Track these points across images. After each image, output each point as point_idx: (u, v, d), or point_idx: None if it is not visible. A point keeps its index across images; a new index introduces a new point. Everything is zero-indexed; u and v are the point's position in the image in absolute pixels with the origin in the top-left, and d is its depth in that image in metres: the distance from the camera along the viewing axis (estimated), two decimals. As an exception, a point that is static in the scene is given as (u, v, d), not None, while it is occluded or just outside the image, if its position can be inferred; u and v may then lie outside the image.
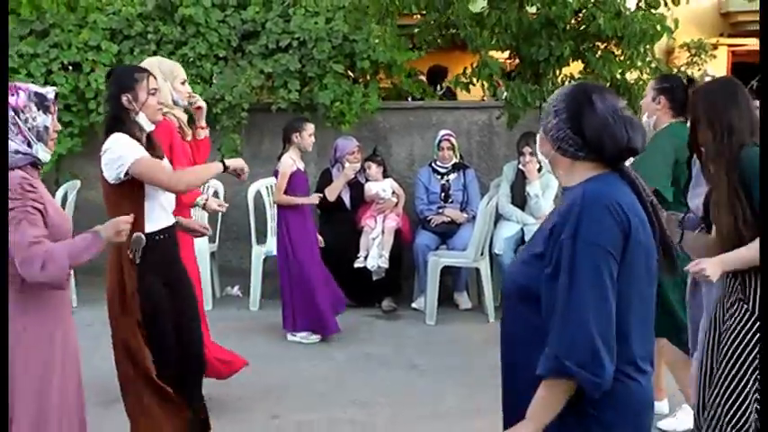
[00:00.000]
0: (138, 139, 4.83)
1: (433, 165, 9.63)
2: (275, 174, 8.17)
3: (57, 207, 3.89)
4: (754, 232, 4.08)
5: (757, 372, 4.14)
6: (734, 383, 4.21)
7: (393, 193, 9.49)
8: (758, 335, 4.12)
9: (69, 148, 9.50)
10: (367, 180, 9.54)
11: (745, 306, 4.19)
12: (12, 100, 3.76)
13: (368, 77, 10.19)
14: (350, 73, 10.14)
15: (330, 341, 8.20)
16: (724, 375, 4.24)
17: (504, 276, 8.77)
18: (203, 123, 6.37)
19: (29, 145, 3.78)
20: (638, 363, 2.97)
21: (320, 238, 8.74)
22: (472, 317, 9.07)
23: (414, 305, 9.33)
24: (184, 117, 6.31)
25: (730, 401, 4.21)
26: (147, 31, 10.12)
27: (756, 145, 4.16)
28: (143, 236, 4.69)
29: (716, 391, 4.26)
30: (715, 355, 4.29)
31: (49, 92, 3.88)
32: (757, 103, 4.64)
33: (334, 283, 8.45)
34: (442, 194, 9.53)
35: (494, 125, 9.91)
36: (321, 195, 8.76)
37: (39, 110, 3.81)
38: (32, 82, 9.86)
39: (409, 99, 10.86)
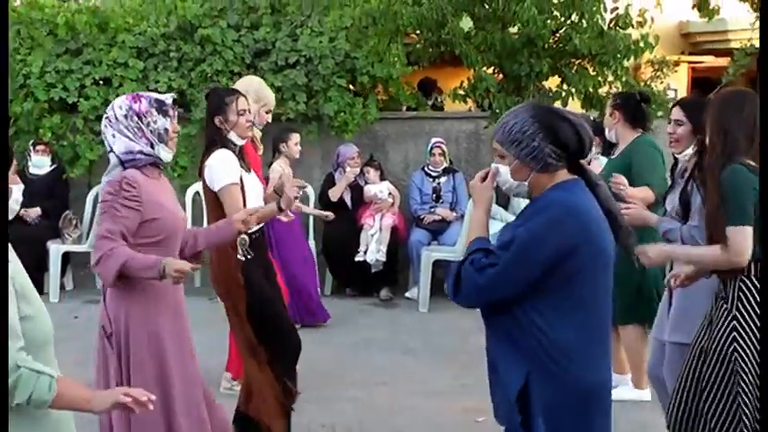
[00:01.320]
0: (235, 154, 5.01)
1: (425, 169, 9.63)
2: (266, 180, 8.13)
3: (164, 204, 3.83)
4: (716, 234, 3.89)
5: (735, 365, 3.86)
6: (715, 381, 3.96)
7: (389, 194, 9.50)
8: (734, 333, 3.86)
9: (100, 155, 9.48)
10: (366, 182, 9.54)
11: (725, 305, 3.94)
12: (135, 106, 3.76)
13: (367, 91, 10.18)
14: (351, 87, 10.14)
15: (332, 327, 8.20)
16: (708, 372, 3.99)
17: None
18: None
19: (151, 146, 3.77)
20: (571, 353, 2.99)
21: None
22: (460, 306, 9.02)
23: (408, 295, 9.34)
24: (259, 134, 6.40)
25: (712, 395, 3.96)
26: (169, 49, 10.12)
27: (741, 163, 3.83)
28: (246, 237, 4.85)
29: (701, 387, 4.01)
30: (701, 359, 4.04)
31: (168, 98, 3.86)
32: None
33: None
34: (434, 195, 9.54)
35: (480, 133, 9.90)
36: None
37: (159, 114, 3.78)
38: (67, 95, 9.93)
39: (404, 109, 10.87)
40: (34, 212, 9.78)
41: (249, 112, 5.16)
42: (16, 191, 3.12)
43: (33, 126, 10.06)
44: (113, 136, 3.76)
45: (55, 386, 2.78)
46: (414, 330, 8.20)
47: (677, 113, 4.75)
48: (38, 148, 9.87)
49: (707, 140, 4.01)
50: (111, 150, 3.78)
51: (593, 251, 2.97)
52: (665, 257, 4.15)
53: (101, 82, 10.11)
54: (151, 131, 3.76)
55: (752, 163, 3.83)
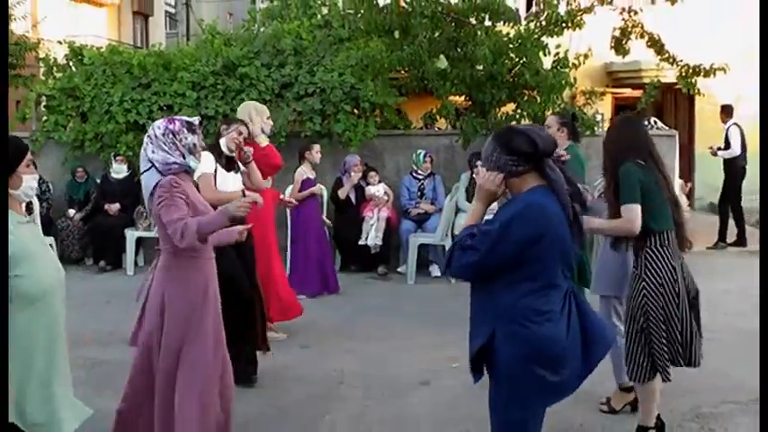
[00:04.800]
0: (220, 155, 5.20)
1: (412, 173, 9.56)
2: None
3: (200, 199, 3.79)
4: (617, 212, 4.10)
5: (647, 309, 4.09)
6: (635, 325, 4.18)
7: (385, 193, 9.41)
8: (643, 291, 4.08)
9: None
10: (367, 184, 9.45)
11: (636, 271, 4.16)
12: (171, 126, 3.70)
13: (368, 114, 10.10)
14: (355, 111, 10.05)
15: (340, 295, 8.15)
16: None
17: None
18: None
19: (183, 157, 3.70)
20: (530, 316, 2.95)
21: (328, 221, 8.89)
22: (440, 280, 9.01)
23: (399, 270, 9.26)
24: (266, 141, 6.33)
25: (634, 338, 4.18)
26: (216, 83, 10.03)
27: (633, 161, 4.11)
28: None
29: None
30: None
31: (195, 120, 3.81)
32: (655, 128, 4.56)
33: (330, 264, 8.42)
34: (419, 193, 9.47)
35: (454, 146, 9.82)
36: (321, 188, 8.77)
37: (189, 132, 3.73)
38: (140, 118, 9.88)
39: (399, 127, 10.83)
40: (115, 207, 9.78)
41: (240, 134, 5.44)
42: (32, 180, 3.08)
43: (114, 142, 10.03)
44: (153, 151, 3.69)
45: None
46: (403, 297, 8.13)
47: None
48: (117, 158, 9.92)
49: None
50: (151, 164, 3.69)
51: (554, 239, 2.94)
52: (587, 226, 4.22)
53: (165, 108, 10.02)
54: (183, 146, 3.70)
55: (639, 161, 4.11)
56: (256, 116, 6.26)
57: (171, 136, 3.70)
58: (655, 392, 4.24)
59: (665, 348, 4.09)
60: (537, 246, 2.91)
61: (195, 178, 4.62)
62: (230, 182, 5.34)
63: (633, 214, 4.02)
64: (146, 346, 3.74)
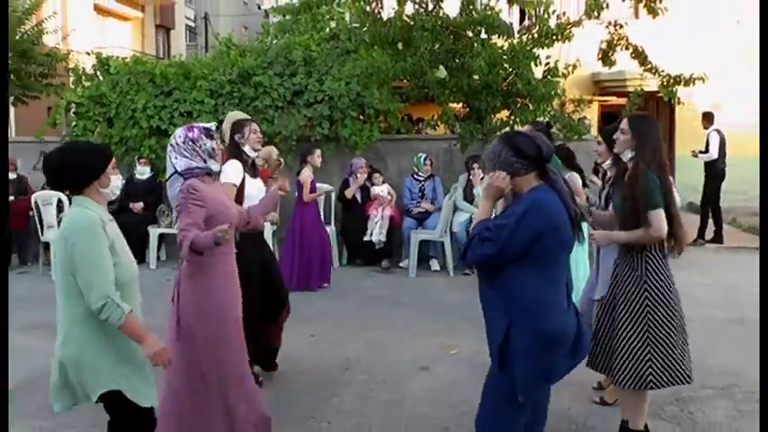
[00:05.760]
0: (245, 162, 4.92)
1: (413, 175, 9.53)
2: (297, 184, 8.05)
3: (219, 200, 3.76)
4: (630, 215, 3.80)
5: (647, 310, 3.79)
6: (630, 332, 3.83)
7: (388, 193, 9.40)
8: (645, 293, 3.78)
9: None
10: (372, 185, 9.44)
11: (637, 273, 3.82)
12: (190, 134, 3.69)
13: (372, 120, 10.09)
14: (361, 117, 10.06)
15: (346, 287, 8.13)
16: (623, 326, 3.85)
17: (460, 247, 8.78)
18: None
19: (204, 161, 3.69)
20: (541, 308, 2.93)
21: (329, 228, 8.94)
22: (439, 273, 8.99)
23: (401, 264, 9.23)
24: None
25: (630, 343, 3.82)
26: (233, 91, 10.04)
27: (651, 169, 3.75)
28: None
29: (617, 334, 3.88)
30: (615, 311, 3.92)
31: (212, 126, 3.80)
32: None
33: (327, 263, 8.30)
34: (420, 193, 9.44)
35: (452, 150, 9.81)
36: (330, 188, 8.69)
37: (207, 138, 3.71)
38: (161, 123, 9.87)
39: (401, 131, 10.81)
40: (139, 206, 9.77)
41: (256, 132, 5.07)
42: (117, 180, 3.33)
43: (138, 145, 10.03)
44: (176, 158, 3.69)
45: (124, 318, 2.95)
46: (405, 290, 8.11)
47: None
48: (141, 160, 9.92)
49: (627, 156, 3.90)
50: (175, 171, 3.69)
51: (556, 235, 2.94)
52: (608, 240, 4.01)
53: (185, 114, 10.03)
54: (203, 151, 3.69)
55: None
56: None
57: (191, 143, 3.68)
58: (647, 396, 3.97)
59: (666, 356, 3.79)
60: (548, 237, 2.90)
61: (222, 184, 4.62)
62: (256, 187, 5.05)
63: (662, 220, 3.71)
64: (179, 344, 3.67)
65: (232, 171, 4.77)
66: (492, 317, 3.05)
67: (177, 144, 3.70)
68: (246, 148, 4.97)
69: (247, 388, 3.82)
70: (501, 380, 3.02)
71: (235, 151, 4.94)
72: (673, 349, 3.81)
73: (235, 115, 6.28)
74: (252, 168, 5.03)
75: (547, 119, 8.92)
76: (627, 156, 3.92)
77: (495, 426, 3.07)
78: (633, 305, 3.82)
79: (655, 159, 3.77)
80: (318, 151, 8.27)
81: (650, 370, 3.79)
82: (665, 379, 3.81)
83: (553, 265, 2.98)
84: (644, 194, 3.70)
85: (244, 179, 4.85)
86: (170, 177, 3.74)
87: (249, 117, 6.21)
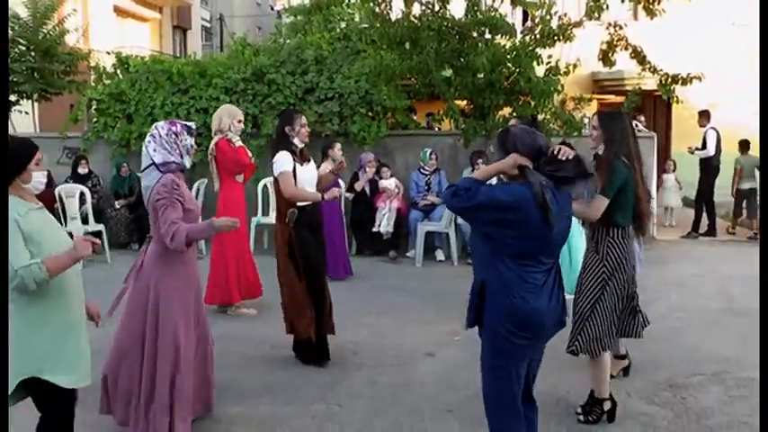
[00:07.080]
0: (294, 152, 5.02)
1: (420, 169, 9.55)
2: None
3: (192, 199, 3.80)
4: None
5: (597, 293, 4.07)
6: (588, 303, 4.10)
7: (396, 186, 9.40)
8: (603, 274, 4.05)
9: (200, 159, 9.47)
10: (380, 178, 9.45)
11: (597, 256, 4.09)
12: (173, 128, 3.72)
13: (380, 116, 10.11)
14: (370, 113, 10.07)
15: (356, 276, 8.15)
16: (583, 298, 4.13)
17: (464, 238, 8.81)
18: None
19: (180, 157, 3.71)
20: (513, 287, 3.01)
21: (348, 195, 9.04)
22: (444, 263, 9.02)
23: (408, 254, 9.26)
24: (239, 142, 6.38)
25: (586, 314, 4.10)
26: (246, 88, 10.07)
27: (620, 158, 4.00)
28: (296, 210, 4.94)
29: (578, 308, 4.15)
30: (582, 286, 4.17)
31: (192, 124, 3.85)
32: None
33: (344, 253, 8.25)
34: (426, 187, 9.46)
35: (457, 145, 9.81)
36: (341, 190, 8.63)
37: (188, 135, 3.75)
38: (177, 120, 9.89)
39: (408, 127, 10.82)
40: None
41: (305, 126, 5.16)
42: (40, 176, 3.15)
43: (156, 140, 10.04)
44: (154, 150, 3.70)
45: (42, 266, 2.87)
46: (412, 279, 8.13)
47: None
48: (159, 155, 9.89)
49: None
50: (152, 162, 3.70)
51: (523, 216, 2.95)
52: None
53: (201, 110, 10.07)
54: (183, 147, 3.73)
55: (625, 159, 4.01)
56: (227, 118, 6.26)
57: (174, 137, 3.71)
58: (608, 363, 4.17)
59: (613, 322, 4.09)
60: (512, 214, 2.94)
61: (276, 175, 4.91)
62: (307, 173, 5.15)
63: (602, 206, 3.96)
64: (135, 313, 3.72)
65: (284, 160, 4.95)
66: (475, 264, 3.22)
67: (159, 135, 3.71)
68: (296, 141, 5.09)
69: (187, 362, 3.77)
70: (485, 350, 3.13)
71: (284, 141, 5.05)
72: (601, 324, 4.06)
73: (228, 107, 6.47)
74: (300, 156, 5.12)
75: (547, 116, 8.94)
76: (601, 149, 4.17)
77: (493, 393, 3.17)
78: (588, 280, 4.10)
79: (622, 150, 4.02)
80: (339, 145, 8.26)
81: (599, 331, 4.05)
82: (581, 347, 4.07)
83: (525, 252, 3.00)
84: (604, 181, 3.96)
85: (295, 168, 4.97)
86: (146, 168, 3.74)
87: (237, 112, 6.43)
